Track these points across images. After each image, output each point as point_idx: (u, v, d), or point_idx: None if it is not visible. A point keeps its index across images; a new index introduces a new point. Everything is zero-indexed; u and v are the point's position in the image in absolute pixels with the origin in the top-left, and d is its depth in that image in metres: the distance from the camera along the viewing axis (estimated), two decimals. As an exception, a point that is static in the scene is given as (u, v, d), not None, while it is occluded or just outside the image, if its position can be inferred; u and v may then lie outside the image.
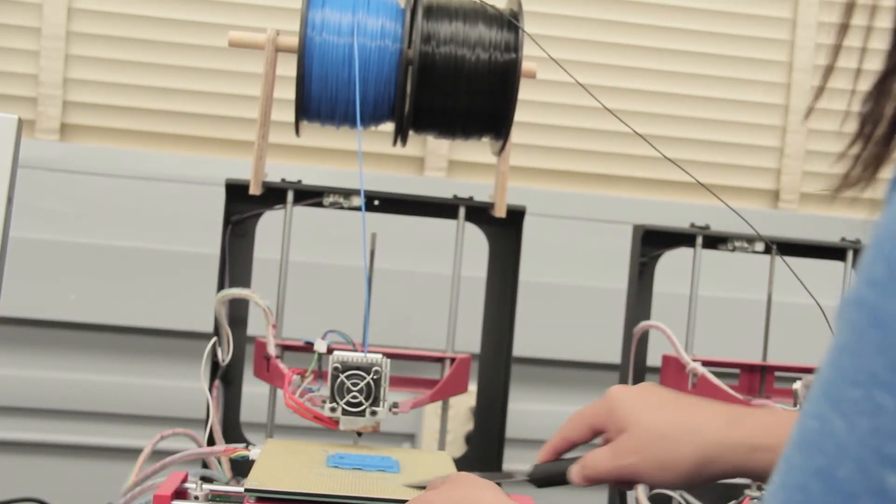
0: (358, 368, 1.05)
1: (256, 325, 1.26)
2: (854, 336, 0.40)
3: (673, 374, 1.25)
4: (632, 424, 0.82)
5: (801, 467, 0.41)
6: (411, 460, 1.03)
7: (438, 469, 0.98)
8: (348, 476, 0.95)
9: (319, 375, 1.13)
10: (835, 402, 0.40)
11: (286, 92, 1.21)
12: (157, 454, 1.12)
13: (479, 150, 2.01)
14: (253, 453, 1.02)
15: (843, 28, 0.53)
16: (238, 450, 1.04)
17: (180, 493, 0.93)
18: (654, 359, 1.31)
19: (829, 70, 0.55)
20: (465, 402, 1.83)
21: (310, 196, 1.27)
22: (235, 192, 1.26)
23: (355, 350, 1.10)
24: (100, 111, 1.97)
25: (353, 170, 1.96)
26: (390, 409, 1.08)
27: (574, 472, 0.86)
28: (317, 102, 1.17)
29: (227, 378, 1.25)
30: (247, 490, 0.89)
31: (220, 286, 1.26)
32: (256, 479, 0.90)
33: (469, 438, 1.80)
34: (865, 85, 0.52)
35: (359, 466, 0.98)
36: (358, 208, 1.24)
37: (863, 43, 0.53)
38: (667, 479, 0.80)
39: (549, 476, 0.89)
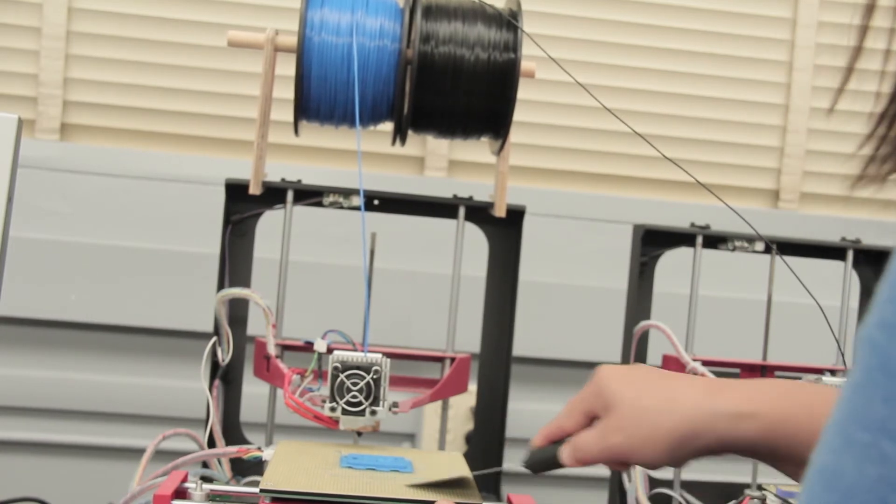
0: (358, 368, 1.05)
1: (256, 325, 1.26)
2: (865, 377, 0.39)
3: (673, 373, 1.25)
4: (616, 403, 0.81)
5: (819, 498, 0.41)
6: (424, 460, 1.03)
7: (451, 469, 0.98)
8: (362, 476, 0.95)
9: (319, 375, 1.13)
10: (847, 441, 0.40)
11: (285, 91, 1.21)
12: (157, 454, 1.12)
13: (478, 149, 2.02)
14: (265, 454, 1.02)
15: (864, 29, 0.53)
16: (251, 451, 1.04)
17: (180, 493, 0.93)
18: (654, 359, 1.32)
19: (849, 71, 0.55)
20: (465, 402, 1.83)
21: (309, 196, 1.27)
22: (235, 191, 1.26)
23: (355, 350, 1.10)
24: (100, 111, 1.97)
25: (353, 169, 1.96)
26: (390, 409, 1.08)
27: (565, 454, 0.85)
28: (316, 102, 1.17)
29: (227, 378, 1.25)
30: (262, 490, 0.89)
31: (220, 286, 1.26)
32: (271, 480, 0.90)
33: (469, 438, 1.80)
34: (877, 84, 0.52)
35: (372, 467, 0.98)
36: (358, 208, 1.24)
37: (888, 45, 0.52)
38: (653, 456, 0.79)
39: (544, 461, 0.88)
